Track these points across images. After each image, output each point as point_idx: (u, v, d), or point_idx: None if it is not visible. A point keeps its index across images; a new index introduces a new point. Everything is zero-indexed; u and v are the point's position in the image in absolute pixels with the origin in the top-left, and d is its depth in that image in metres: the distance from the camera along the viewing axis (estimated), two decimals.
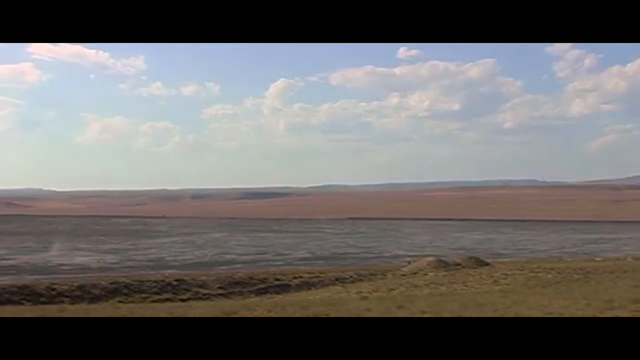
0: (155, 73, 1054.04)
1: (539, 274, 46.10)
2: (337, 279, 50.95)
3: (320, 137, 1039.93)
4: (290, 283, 49.78)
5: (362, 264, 66.69)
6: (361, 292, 39.79)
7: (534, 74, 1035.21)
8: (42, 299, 40.76)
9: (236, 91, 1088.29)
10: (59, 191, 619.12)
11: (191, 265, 68.60)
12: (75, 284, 44.52)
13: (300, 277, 51.46)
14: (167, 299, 43.34)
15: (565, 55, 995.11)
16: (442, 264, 54.83)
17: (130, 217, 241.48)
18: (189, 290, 46.22)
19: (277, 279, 50.52)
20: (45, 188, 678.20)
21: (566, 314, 18.53)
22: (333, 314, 19.14)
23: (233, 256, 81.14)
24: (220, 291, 46.77)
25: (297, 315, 19.60)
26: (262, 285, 48.75)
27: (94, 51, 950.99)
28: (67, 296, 42.07)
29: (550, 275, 45.21)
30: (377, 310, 20.47)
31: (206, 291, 46.51)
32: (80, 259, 74.56)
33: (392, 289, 41.49)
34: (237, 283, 48.82)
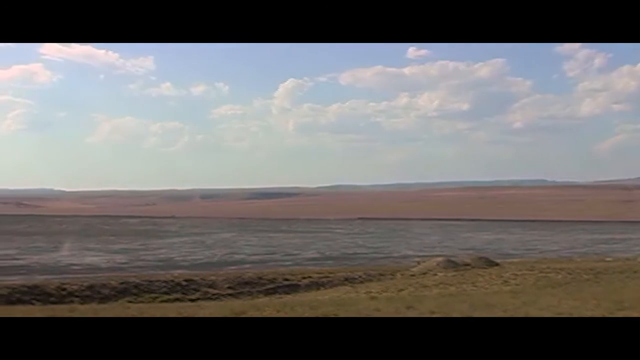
0: (164, 73, 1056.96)
1: (548, 275, 45.95)
2: (346, 279, 50.90)
3: (329, 137, 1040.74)
4: (300, 283, 49.76)
5: (371, 264, 66.60)
6: (370, 292, 39.74)
7: (543, 73, 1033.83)
8: (52, 299, 40.87)
9: (245, 91, 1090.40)
10: (69, 191, 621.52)
11: (200, 265, 68.65)
12: (85, 284, 44.63)
13: (310, 277, 51.43)
14: (177, 299, 43.39)
15: (575, 55, 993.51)
16: (451, 264, 54.71)
17: (140, 217, 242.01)
18: (198, 290, 46.26)
19: (286, 279, 50.51)
20: (56, 188, 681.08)
21: (576, 314, 18.48)
22: (342, 314, 19.13)
23: (242, 256, 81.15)
24: (230, 291, 46.80)
25: (306, 315, 19.60)
26: (271, 285, 48.75)
27: (103, 51, 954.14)
28: (77, 296, 42.17)
29: (560, 276, 45.06)
30: (386, 311, 20.44)
31: (215, 291, 46.54)
32: (90, 259, 74.72)
33: (401, 289, 41.42)
34: (246, 283, 48.84)
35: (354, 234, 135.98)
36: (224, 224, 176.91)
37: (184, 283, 47.37)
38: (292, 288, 48.47)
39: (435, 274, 50.88)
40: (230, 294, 45.98)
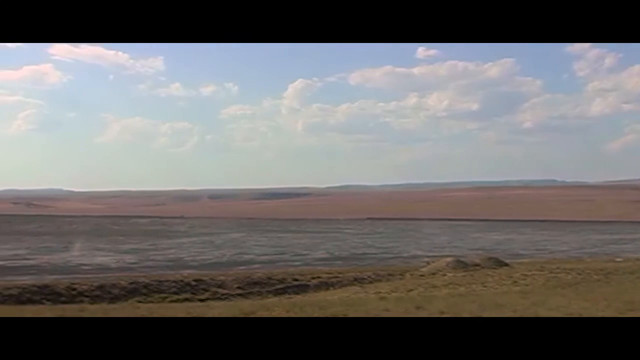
0: (174, 74, 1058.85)
1: (558, 275, 45.84)
2: (355, 279, 50.88)
3: (338, 138, 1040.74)
4: (309, 283, 49.76)
5: (380, 264, 66.53)
6: (379, 292, 39.70)
7: (553, 73, 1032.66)
8: (62, 299, 40.98)
9: (255, 92, 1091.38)
10: (79, 191, 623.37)
11: (210, 266, 68.69)
12: (95, 284, 44.74)
13: (319, 277, 51.42)
14: (186, 299, 43.45)
15: (585, 55, 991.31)
16: (460, 265, 54.63)
17: (149, 217, 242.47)
18: (207, 290, 46.30)
19: (296, 279, 50.51)
20: (65, 188, 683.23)
21: (586, 315, 18.42)
22: (351, 314, 19.12)
23: (251, 256, 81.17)
24: (239, 291, 46.83)
25: (316, 315, 19.60)
26: (281, 286, 48.76)
27: (113, 52, 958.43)
28: (87, 296, 42.28)
29: (570, 276, 44.95)
30: (395, 311, 20.43)
31: (225, 291, 46.58)
32: (100, 259, 74.89)
33: (411, 290, 41.38)
34: (255, 283, 48.86)
35: (363, 234, 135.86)
36: (233, 224, 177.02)
37: (194, 283, 47.43)
38: (302, 288, 48.47)
39: (445, 274, 50.82)
40: (239, 294, 46.02)
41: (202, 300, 42.31)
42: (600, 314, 18.79)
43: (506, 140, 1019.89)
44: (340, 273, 53.65)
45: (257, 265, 67.63)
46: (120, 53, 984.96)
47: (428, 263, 58.53)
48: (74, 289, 43.21)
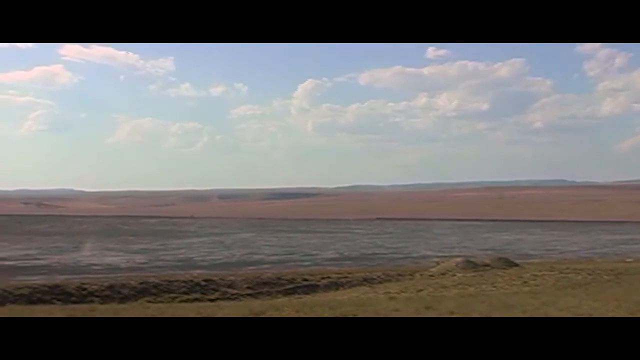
0: (184, 74, 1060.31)
1: (568, 275, 45.70)
2: (365, 280, 50.85)
3: (348, 138, 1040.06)
4: (319, 283, 49.76)
5: (390, 265, 66.51)
6: (389, 292, 39.65)
7: (564, 73, 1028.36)
8: (72, 299, 41.11)
9: (264, 92, 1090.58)
10: (89, 191, 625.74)
11: (219, 266, 68.79)
12: (105, 284, 44.87)
13: (329, 277, 51.42)
14: (196, 299, 43.50)
15: (596, 55, 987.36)
16: (470, 265, 54.53)
17: (159, 217, 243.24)
18: (217, 290, 46.36)
19: (305, 279, 50.53)
20: (76, 188, 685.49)
21: (596, 315, 18.37)
22: (361, 314, 19.12)
23: (261, 256, 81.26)
24: (249, 291, 46.88)
25: (325, 315, 19.60)
26: (290, 286, 48.78)
27: (123, 52, 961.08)
28: (97, 296, 42.40)
29: (580, 276, 44.80)
30: (405, 311, 20.41)
31: (234, 291, 46.63)
32: (110, 259, 75.12)
33: (420, 290, 41.32)
34: (265, 283, 48.90)
35: (373, 234, 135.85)
36: (243, 224, 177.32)
37: (203, 283, 47.50)
38: (311, 288, 48.47)
39: (454, 275, 50.73)
40: (249, 294, 46.06)
41: (211, 300, 42.34)
42: (610, 314, 18.74)
43: (516, 140, 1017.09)
44: (349, 273, 53.64)
45: (266, 266, 67.70)
46: (130, 53, 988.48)
47: (438, 263, 58.44)
48: (84, 289, 43.35)
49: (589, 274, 45.73)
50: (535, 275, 46.18)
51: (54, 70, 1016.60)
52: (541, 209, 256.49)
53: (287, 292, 47.04)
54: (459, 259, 57.30)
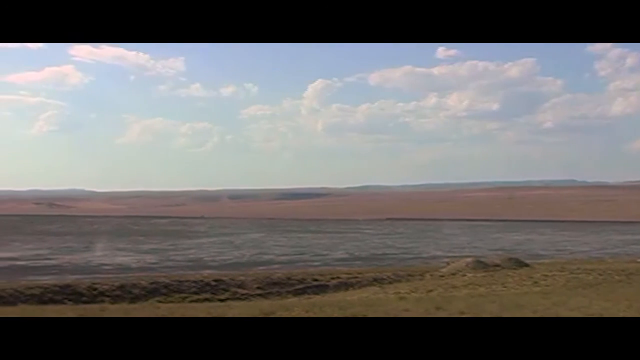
0: (194, 74, 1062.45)
1: (579, 275, 45.57)
2: (375, 280, 50.85)
3: (358, 138, 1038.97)
4: (328, 283, 49.79)
5: (400, 265, 66.48)
6: (399, 292, 39.63)
7: (574, 73, 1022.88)
8: (83, 299, 41.27)
9: (274, 92, 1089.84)
10: (100, 192, 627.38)
11: (229, 266, 68.92)
12: (116, 284, 45.02)
13: (338, 277, 51.44)
14: (206, 299, 43.59)
15: (607, 54, 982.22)
16: (480, 265, 54.45)
17: (169, 217, 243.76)
18: (227, 291, 46.46)
19: (315, 280, 50.57)
20: (87, 189, 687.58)
21: (607, 315, 18.31)
22: (371, 314, 19.10)
23: (271, 256, 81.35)
24: (259, 291, 46.95)
25: (335, 315, 19.60)
26: (300, 286, 48.83)
27: (134, 53, 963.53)
28: (108, 296, 42.54)
29: (591, 277, 44.67)
30: (415, 311, 20.39)
31: (244, 291, 46.71)
32: (120, 259, 75.37)
33: (431, 290, 41.29)
34: (275, 283, 48.97)
35: (383, 235, 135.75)
36: (253, 225, 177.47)
37: (213, 283, 47.61)
38: (321, 288, 48.51)
39: (465, 275, 50.68)
40: (259, 294, 46.13)
41: (222, 300, 42.42)
42: (621, 315, 18.68)
43: (526, 140, 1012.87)
44: (359, 273, 53.65)
45: (276, 266, 67.77)
46: (141, 54, 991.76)
47: (448, 263, 58.36)
48: (95, 289, 43.52)
49: (600, 274, 45.59)
50: (546, 276, 46.06)
51: (65, 71, 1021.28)
52: (552, 209, 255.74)
53: (297, 292, 47.09)
54: (469, 259, 57.22)
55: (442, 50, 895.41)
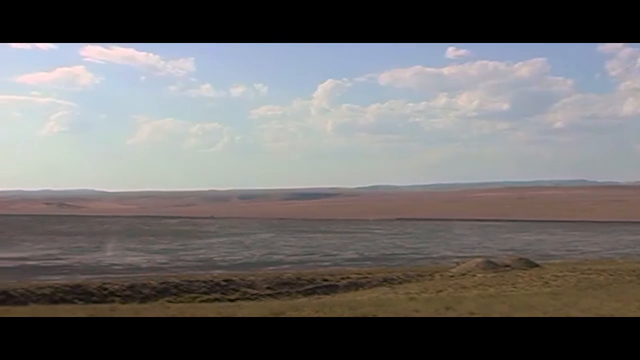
0: (204, 75, 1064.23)
1: (590, 276, 45.41)
2: (385, 280, 50.82)
3: (368, 138, 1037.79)
4: (338, 284, 49.79)
5: (410, 265, 66.43)
6: (409, 293, 39.60)
7: (585, 73, 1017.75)
8: (94, 298, 41.39)
9: (284, 92, 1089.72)
10: (110, 192, 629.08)
11: (239, 266, 69.02)
12: (126, 284, 45.14)
13: (348, 277, 51.44)
14: (216, 299, 43.65)
15: (617, 54, 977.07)
16: (491, 265, 54.34)
17: (180, 217, 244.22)
18: (237, 291, 46.52)
19: (325, 280, 50.58)
20: (97, 189, 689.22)
21: (618, 316, 18.23)
22: (381, 314, 19.08)
23: (281, 257, 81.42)
24: (269, 291, 46.99)
25: (345, 315, 19.59)
26: (310, 286, 48.84)
27: (144, 53, 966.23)
28: (118, 295, 42.65)
29: (602, 277, 44.51)
30: (425, 312, 20.36)
31: (254, 291, 46.75)
32: (130, 259, 75.59)
33: (440, 290, 41.23)
34: (285, 283, 49.00)
35: (393, 235, 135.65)
36: (263, 225, 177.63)
37: (223, 283, 47.67)
38: (331, 288, 48.51)
39: (475, 275, 50.59)
40: (269, 294, 46.16)
41: (231, 300, 42.49)
42: (632, 315, 18.60)
43: (537, 140, 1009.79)
44: (369, 273, 53.63)
45: (286, 266, 67.83)
46: (151, 54, 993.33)
47: (458, 264, 58.27)
48: (106, 289, 43.64)
49: (611, 275, 45.42)
50: (557, 276, 45.93)
51: (76, 72, 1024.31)
52: (562, 209, 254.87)
53: (307, 293, 47.10)
54: (479, 260, 57.11)
55: (452, 50, 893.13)
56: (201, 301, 42.21)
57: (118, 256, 79.49)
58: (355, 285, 49.34)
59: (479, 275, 50.47)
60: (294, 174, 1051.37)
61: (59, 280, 49.08)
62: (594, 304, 22.38)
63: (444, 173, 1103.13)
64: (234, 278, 49.41)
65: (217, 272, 57.54)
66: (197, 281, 47.63)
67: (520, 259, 59.72)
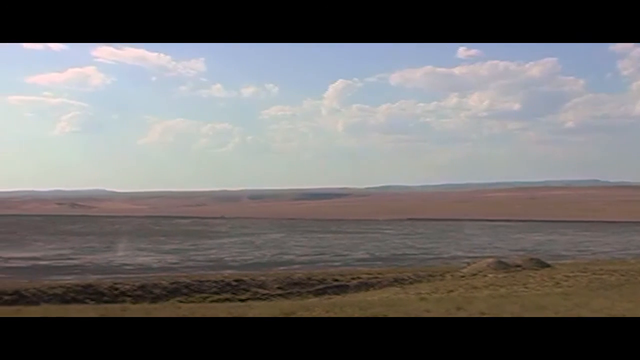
0: (215, 75, 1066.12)
1: (601, 276, 45.22)
2: (395, 280, 50.76)
3: (378, 138, 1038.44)
4: (349, 284, 49.76)
5: (420, 265, 66.34)
6: (420, 293, 39.55)
7: (596, 72, 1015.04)
8: (105, 298, 41.51)
9: (295, 92, 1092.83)
10: (121, 192, 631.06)
11: (250, 266, 69.08)
12: (137, 284, 45.25)
13: (359, 277, 51.41)
14: (227, 299, 43.71)
15: (629, 53, 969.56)
16: (502, 266, 54.20)
17: (190, 217, 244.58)
18: (248, 291, 46.56)
19: (336, 280, 50.56)
20: (108, 189, 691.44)
21: (630, 316, 18.15)
22: (392, 314, 19.06)
23: (292, 257, 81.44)
24: (279, 291, 47.01)
25: (356, 315, 19.58)
26: (321, 286, 48.84)
27: (155, 54, 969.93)
28: (129, 295, 42.76)
29: (613, 278, 44.32)
30: (436, 312, 20.32)
31: (265, 291, 46.79)
32: (142, 259, 75.76)
33: (451, 290, 41.14)
34: (295, 283, 49.01)
35: (404, 235, 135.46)
36: (274, 225, 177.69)
37: (234, 283, 47.73)
38: (342, 289, 48.49)
39: (486, 275, 50.47)
40: (279, 294, 46.18)
41: (242, 300, 42.53)
42: None
43: (548, 140, 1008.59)
44: (380, 274, 53.58)
45: (297, 266, 67.85)
46: (162, 55, 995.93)
47: (469, 264, 58.15)
48: (117, 289, 43.76)
49: (622, 275, 45.22)
50: (568, 277, 45.76)
51: (87, 72, 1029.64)
52: (573, 209, 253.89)
53: (318, 293, 47.10)
54: (490, 260, 56.98)
55: (462, 50, 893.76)
56: (212, 301, 42.27)
57: (129, 256, 79.67)
58: (365, 286, 49.31)
59: (490, 275, 50.35)
60: (304, 174, 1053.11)
61: (70, 280, 49.25)
62: (606, 304, 22.29)
63: (455, 173, 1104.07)
64: (245, 278, 49.46)
65: (227, 272, 57.61)
66: (208, 281, 47.69)
67: (532, 259, 59.53)
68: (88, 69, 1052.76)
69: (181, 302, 39.96)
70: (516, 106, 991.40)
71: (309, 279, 50.37)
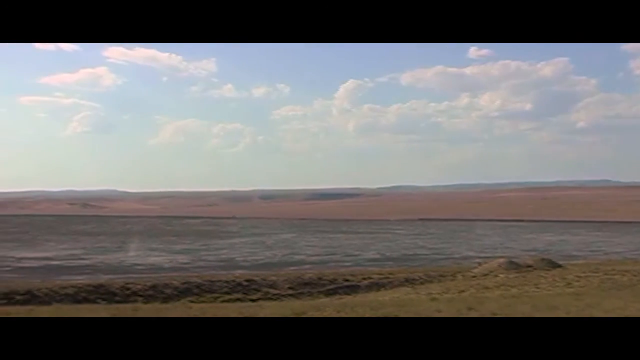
0: (226, 75, 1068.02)
1: (614, 277, 45.06)
2: (406, 280, 50.71)
3: (389, 138, 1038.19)
4: (360, 284, 49.75)
5: (431, 265, 66.27)
6: (431, 293, 39.50)
7: (609, 72, 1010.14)
8: (116, 298, 41.64)
9: (306, 92, 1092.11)
10: (133, 192, 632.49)
11: (261, 266, 69.16)
12: (149, 284, 45.35)
13: (370, 278, 51.39)
14: (238, 299, 43.75)
15: None
16: (513, 266, 54.07)
17: (201, 217, 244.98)
18: (259, 291, 46.59)
19: (347, 280, 50.55)
20: (120, 189, 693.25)
21: None
22: (403, 314, 19.06)
23: (302, 257, 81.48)
24: (290, 291, 47.03)
25: (367, 315, 19.57)
26: (332, 286, 48.84)
27: (166, 54, 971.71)
28: (140, 295, 42.87)
29: (625, 278, 44.15)
30: (447, 312, 20.31)
31: (276, 291, 46.82)
32: (153, 259, 75.96)
33: (462, 291, 41.09)
34: (306, 283, 49.02)
35: (415, 235, 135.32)
36: (285, 225, 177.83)
37: (245, 283, 47.77)
38: (352, 289, 48.48)
39: (497, 276, 50.36)
40: (290, 294, 46.21)
41: (253, 300, 42.58)
42: None
43: (559, 140, 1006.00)
44: (391, 274, 53.54)
45: (308, 266, 67.87)
46: (173, 55, 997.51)
47: (480, 264, 58.04)
48: (128, 289, 43.87)
49: (635, 276, 45.05)
50: (579, 277, 45.63)
51: (99, 73, 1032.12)
52: (585, 209, 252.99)
53: (329, 293, 47.11)
54: (501, 260, 56.86)
55: (474, 50, 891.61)
56: (223, 301, 42.33)
57: (140, 256, 79.91)
58: (376, 286, 49.28)
59: (501, 275, 50.25)
60: (315, 174, 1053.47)
61: (82, 280, 49.43)
62: (618, 304, 22.22)
63: (466, 173, 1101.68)
64: (256, 278, 49.50)
65: (238, 272, 57.69)
66: (219, 281, 47.76)
67: (543, 259, 59.37)
68: (99, 70, 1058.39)
69: (192, 302, 40.05)
70: (528, 106, 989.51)
71: (320, 279, 50.38)
